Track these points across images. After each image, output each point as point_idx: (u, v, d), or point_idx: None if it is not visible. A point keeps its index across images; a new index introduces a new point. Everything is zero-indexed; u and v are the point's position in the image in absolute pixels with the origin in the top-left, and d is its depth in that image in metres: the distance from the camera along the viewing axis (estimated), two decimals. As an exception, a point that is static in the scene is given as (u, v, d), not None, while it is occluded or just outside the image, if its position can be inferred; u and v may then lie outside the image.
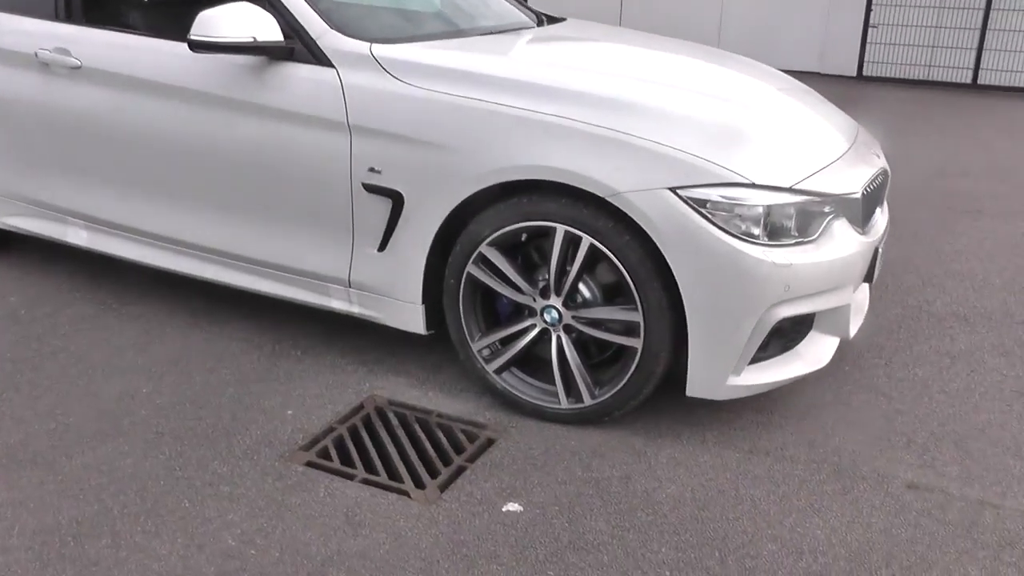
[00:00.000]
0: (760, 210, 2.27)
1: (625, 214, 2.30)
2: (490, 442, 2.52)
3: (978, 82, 8.95)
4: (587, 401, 2.51)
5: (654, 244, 2.29)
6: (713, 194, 2.26)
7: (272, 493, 2.24)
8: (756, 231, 2.27)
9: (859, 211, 2.56)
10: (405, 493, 2.26)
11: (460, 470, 2.37)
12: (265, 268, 2.89)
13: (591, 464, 2.40)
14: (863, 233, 2.57)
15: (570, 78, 2.52)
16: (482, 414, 2.66)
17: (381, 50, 2.61)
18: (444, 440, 2.52)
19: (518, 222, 2.42)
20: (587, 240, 2.35)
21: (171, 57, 2.83)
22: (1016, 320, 3.45)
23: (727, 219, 2.26)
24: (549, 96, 2.41)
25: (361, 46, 2.63)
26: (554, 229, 2.38)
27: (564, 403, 2.55)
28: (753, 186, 2.29)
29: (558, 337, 2.52)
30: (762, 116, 2.61)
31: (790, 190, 2.33)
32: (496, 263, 2.50)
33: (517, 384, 2.62)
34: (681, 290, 2.29)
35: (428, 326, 2.71)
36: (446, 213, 2.49)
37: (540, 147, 2.34)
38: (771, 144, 2.46)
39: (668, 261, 2.28)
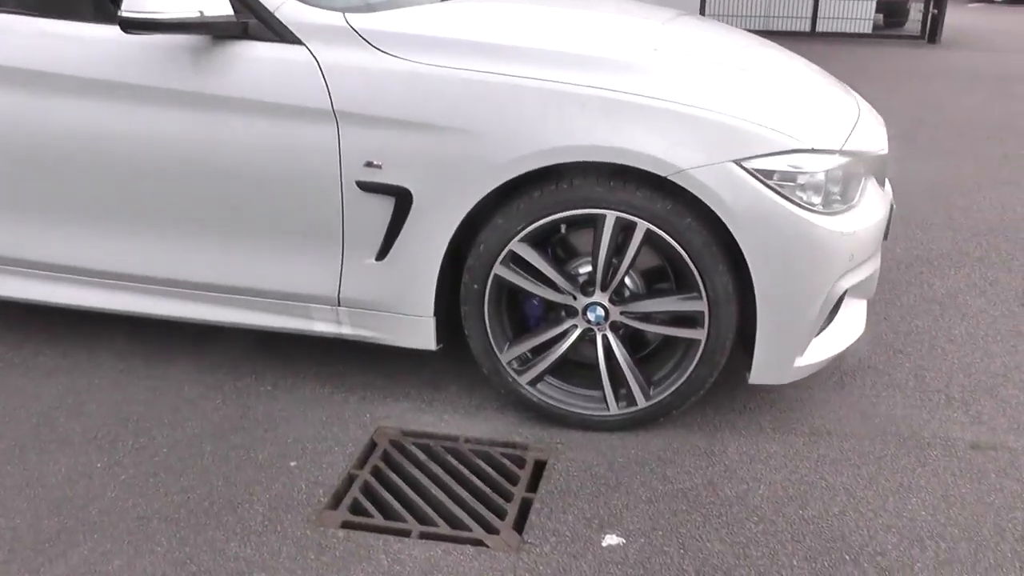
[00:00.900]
0: (820, 177, 2.11)
1: (684, 195, 2.08)
2: (540, 465, 2.24)
3: (816, 30, 9.45)
4: (641, 403, 2.29)
5: (718, 225, 2.09)
6: (780, 164, 2.08)
7: (323, 571, 1.85)
8: (816, 200, 2.12)
9: (884, 169, 2.49)
10: (479, 542, 1.94)
11: (526, 504, 2.08)
12: (226, 294, 2.42)
13: (666, 474, 2.18)
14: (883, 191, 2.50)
15: (594, 44, 2.25)
16: (516, 432, 2.37)
17: (360, 21, 2.20)
18: (489, 470, 2.21)
19: (558, 212, 2.13)
20: (643, 226, 2.11)
21: (83, 43, 2.27)
22: (973, 257, 3.58)
23: (792, 190, 2.09)
24: (578, 65, 2.13)
25: (333, 16, 2.21)
26: (603, 217, 2.12)
27: (614, 409, 2.31)
28: (812, 151, 2.13)
29: (604, 336, 2.27)
30: (786, 80, 2.45)
31: (840, 152, 2.19)
32: (530, 260, 2.20)
33: (556, 394, 2.35)
34: (751, 271, 2.10)
35: (437, 340, 2.37)
36: (467, 209, 2.15)
37: (584, 124, 2.06)
38: (809, 107, 2.31)
39: (738, 241, 2.08)
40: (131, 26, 2.04)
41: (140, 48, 2.23)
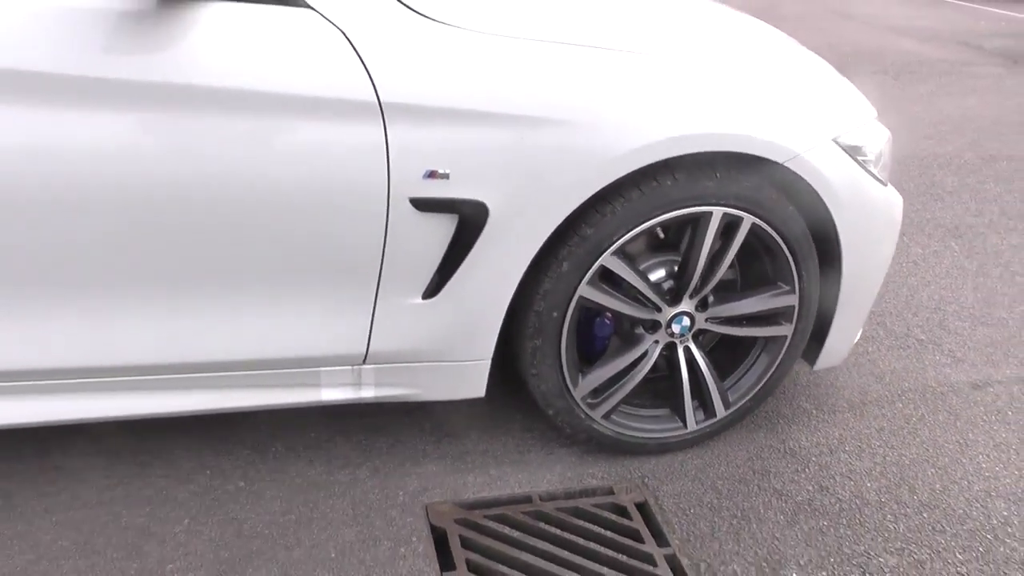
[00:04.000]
0: (881, 146, 2.10)
1: (783, 181, 1.92)
2: (642, 508, 2.00)
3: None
4: (721, 414, 2.14)
5: (805, 210, 1.98)
6: (864, 137, 2.01)
7: None
8: (877, 172, 2.10)
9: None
10: (666, 630, 1.69)
11: (674, 564, 1.84)
12: (187, 374, 1.76)
13: (775, 487, 2.07)
14: None
15: (670, 17, 1.97)
16: (586, 474, 2.09)
17: (392, -22, 1.67)
18: (598, 529, 1.92)
19: (661, 214, 1.85)
20: (748, 220, 1.91)
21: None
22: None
23: (867, 164, 2.04)
24: (684, 40, 1.86)
25: (351, -29, 1.64)
26: (707, 214, 1.88)
27: (693, 425, 2.13)
28: (875, 119, 2.10)
29: (686, 348, 2.06)
30: (803, 52, 2.36)
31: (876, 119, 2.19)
32: (622, 274, 1.90)
33: (631, 423, 2.11)
34: (844, 253, 2.03)
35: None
36: (558, 221, 1.78)
37: (706, 107, 1.79)
38: (839, 77, 2.25)
39: (836, 225, 1.98)
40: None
41: (53, 20, 1.46)
